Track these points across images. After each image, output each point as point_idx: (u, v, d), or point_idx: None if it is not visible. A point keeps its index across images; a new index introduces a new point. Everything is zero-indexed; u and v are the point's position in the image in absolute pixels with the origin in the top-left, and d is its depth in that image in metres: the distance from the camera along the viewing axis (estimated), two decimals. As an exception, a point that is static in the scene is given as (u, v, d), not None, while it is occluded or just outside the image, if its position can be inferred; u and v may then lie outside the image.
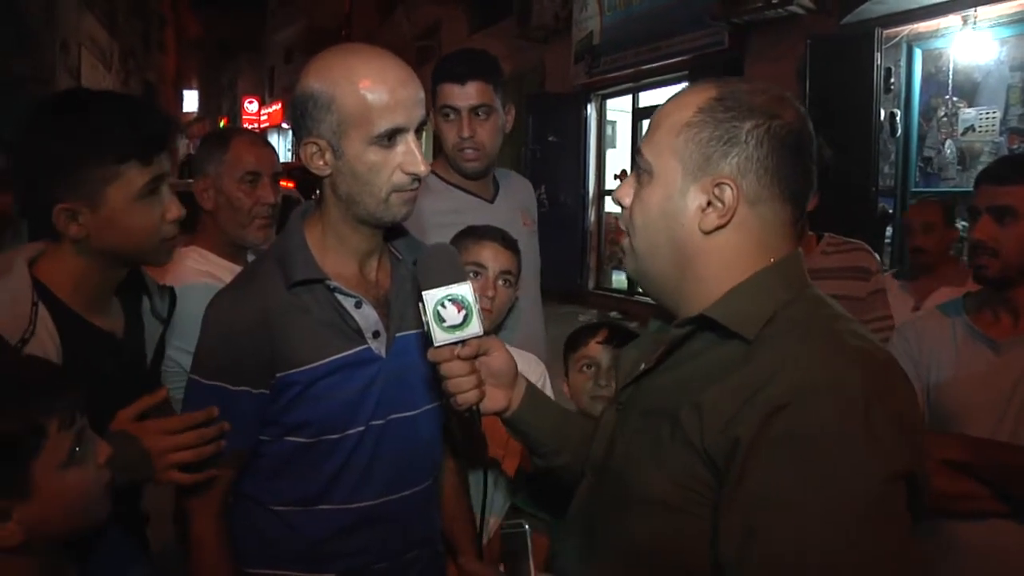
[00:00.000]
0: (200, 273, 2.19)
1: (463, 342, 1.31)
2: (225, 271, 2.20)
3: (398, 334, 1.59)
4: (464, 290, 1.31)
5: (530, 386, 1.46)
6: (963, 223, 3.88)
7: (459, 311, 1.30)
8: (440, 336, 1.30)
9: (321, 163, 1.49)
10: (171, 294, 1.83)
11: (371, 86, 1.44)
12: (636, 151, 1.21)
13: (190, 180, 2.42)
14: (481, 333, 1.32)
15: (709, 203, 1.12)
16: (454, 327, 1.30)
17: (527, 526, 1.57)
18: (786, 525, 0.97)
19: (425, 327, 1.31)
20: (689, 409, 1.07)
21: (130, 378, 1.61)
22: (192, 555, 1.54)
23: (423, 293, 1.30)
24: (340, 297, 1.54)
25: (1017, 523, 1.77)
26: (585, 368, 2.08)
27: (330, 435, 1.54)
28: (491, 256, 2.05)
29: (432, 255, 1.36)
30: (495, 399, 1.39)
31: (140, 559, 1.43)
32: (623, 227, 1.23)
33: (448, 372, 1.32)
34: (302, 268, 1.52)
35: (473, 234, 2.09)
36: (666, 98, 1.22)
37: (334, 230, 1.55)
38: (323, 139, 1.47)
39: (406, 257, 1.66)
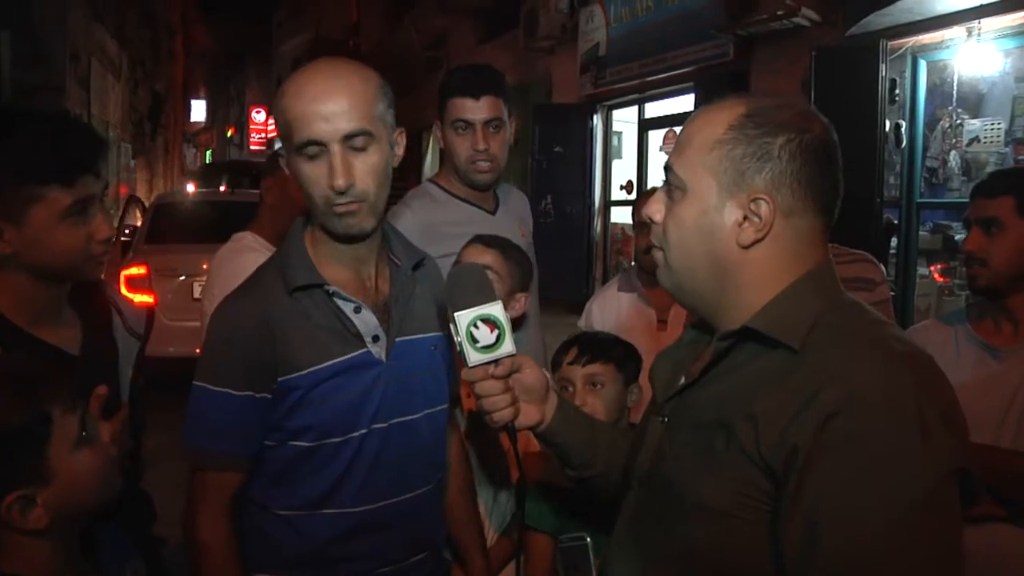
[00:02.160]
0: (251, 250, 2.51)
1: (497, 361, 1.33)
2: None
3: (398, 338, 1.62)
4: (496, 310, 1.32)
5: (561, 400, 1.48)
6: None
7: (492, 331, 1.31)
8: (474, 357, 1.32)
9: (287, 171, 1.59)
10: (148, 311, 1.88)
11: (290, 99, 1.49)
12: (666, 168, 1.23)
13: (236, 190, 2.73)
14: (514, 352, 1.34)
15: (745, 218, 1.15)
16: (488, 347, 1.32)
17: (588, 539, 1.59)
18: (848, 526, 1.00)
19: (458, 348, 1.33)
20: (743, 420, 1.09)
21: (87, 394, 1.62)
22: (196, 560, 1.55)
23: (455, 314, 1.32)
24: (339, 302, 1.57)
25: (1015, 527, 1.79)
26: (564, 389, 2.06)
27: (333, 439, 1.57)
28: (472, 254, 2.10)
29: (459, 275, 1.38)
30: (529, 415, 1.41)
31: (136, 555, 1.49)
32: (656, 242, 1.25)
33: (483, 391, 1.34)
34: (302, 273, 1.56)
35: (469, 240, 2.16)
36: (671, 110, 1.25)
37: (322, 238, 1.60)
38: (284, 149, 1.56)
39: (405, 264, 1.69)
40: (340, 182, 1.48)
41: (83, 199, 1.54)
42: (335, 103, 1.47)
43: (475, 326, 1.31)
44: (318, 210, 1.54)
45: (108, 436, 1.32)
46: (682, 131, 1.23)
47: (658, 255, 1.25)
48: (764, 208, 1.13)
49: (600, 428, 1.54)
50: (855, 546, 0.99)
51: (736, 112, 1.16)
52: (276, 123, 1.54)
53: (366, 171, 1.50)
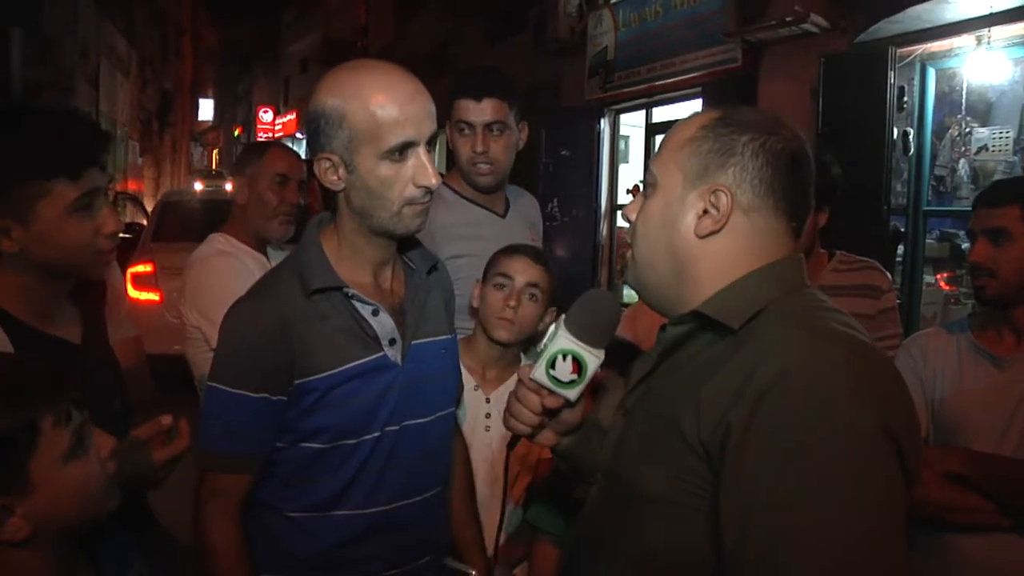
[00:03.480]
0: (222, 253, 2.61)
1: (552, 392, 1.29)
2: (245, 255, 2.61)
3: (413, 342, 1.62)
4: (593, 362, 1.26)
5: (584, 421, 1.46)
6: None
7: (572, 372, 1.26)
8: (538, 374, 1.27)
9: (335, 178, 1.53)
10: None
11: (380, 102, 1.47)
12: (645, 168, 1.26)
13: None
14: (573, 402, 1.30)
15: (705, 210, 1.17)
16: (557, 380, 1.26)
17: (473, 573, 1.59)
18: (780, 506, 0.99)
19: (538, 349, 1.29)
20: (687, 406, 1.11)
21: (94, 382, 1.60)
22: (204, 563, 1.55)
23: (563, 328, 1.26)
24: (357, 305, 1.57)
25: (1018, 537, 1.79)
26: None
27: (346, 441, 1.57)
28: (519, 268, 2.09)
29: (599, 303, 1.31)
30: (547, 437, 1.39)
31: (140, 556, 1.47)
32: (628, 240, 1.28)
33: (521, 398, 1.32)
34: (320, 276, 1.55)
35: (509, 249, 2.15)
36: (678, 114, 1.26)
37: (349, 241, 1.59)
38: (336, 155, 1.51)
39: (419, 267, 1.69)
40: (434, 180, 1.52)
41: (89, 192, 1.55)
42: (425, 103, 1.52)
43: (563, 357, 1.25)
44: (388, 211, 1.52)
45: (106, 451, 1.28)
46: (664, 137, 1.27)
47: (628, 252, 1.28)
48: (723, 200, 1.16)
49: None
50: (787, 529, 0.98)
51: (711, 116, 1.21)
52: (342, 125, 1.48)
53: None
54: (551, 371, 1.26)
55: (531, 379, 1.29)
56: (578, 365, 1.25)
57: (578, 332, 1.26)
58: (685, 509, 1.10)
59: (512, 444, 1.40)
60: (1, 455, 1.15)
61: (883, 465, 1.00)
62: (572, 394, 1.28)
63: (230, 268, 2.54)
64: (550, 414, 1.33)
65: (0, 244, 1.53)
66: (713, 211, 1.16)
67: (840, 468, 0.98)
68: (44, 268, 1.57)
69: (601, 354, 1.27)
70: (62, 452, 1.20)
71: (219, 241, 2.68)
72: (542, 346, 1.28)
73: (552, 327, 1.28)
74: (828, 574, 0.96)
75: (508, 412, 1.35)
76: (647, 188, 1.24)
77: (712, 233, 1.17)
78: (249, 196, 2.67)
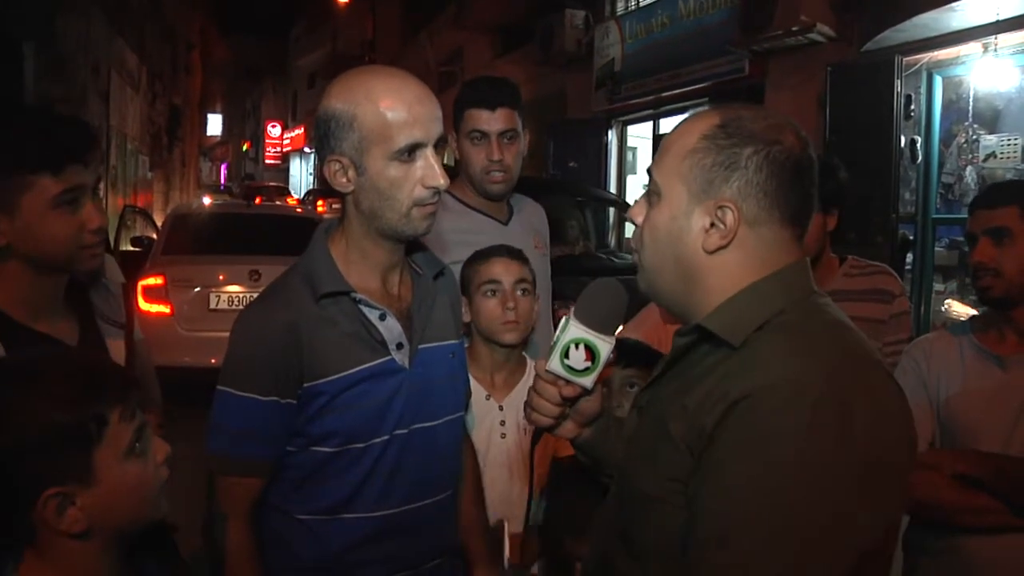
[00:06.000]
0: None
1: (568, 382, 1.30)
2: None
3: (421, 346, 1.64)
4: (605, 349, 1.29)
5: (606, 414, 1.47)
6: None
7: (586, 359, 1.29)
8: (554, 365, 1.29)
9: (344, 180, 1.55)
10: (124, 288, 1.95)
11: (390, 104, 1.50)
12: (648, 173, 1.26)
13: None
14: (590, 389, 1.32)
15: (712, 224, 1.17)
16: (572, 368, 1.29)
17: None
18: (720, 500, 1.04)
19: (552, 343, 1.31)
20: (678, 410, 1.14)
21: None
22: (227, 564, 1.57)
23: (572, 320, 1.29)
24: (365, 309, 1.59)
25: None
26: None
27: (356, 444, 1.58)
28: (503, 270, 2.11)
29: (604, 290, 1.33)
30: (568, 428, 1.40)
31: (165, 559, 1.48)
32: (634, 245, 1.29)
33: (540, 391, 1.34)
34: (329, 281, 1.57)
35: (481, 256, 2.17)
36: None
37: (357, 245, 1.61)
38: (346, 157, 1.53)
39: (426, 272, 1.71)
40: (443, 180, 1.54)
41: (72, 188, 1.58)
42: (433, 106, 1.55)
43: (575, 346, 1.28)
44: (398, 213, 1.54)
45: (162, 457, 1.30)
46: (664, 139, 1.27)
47: (636, 256, 1.29)
48: (729, 216, 1.16)
49: None
50: (718, 521, 1.02)
51: (711, 122, 1.19)
52: (352, 127, 1.50)
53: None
54: (565, 360, 1.29)
55: (547, 371, 1.31)
56: (590, 352, 1.28)
57: (587, 320, 1.29)
58: (676, 509, 1.12)
59: (535, 439, 1.41)
60: (72, 443, 1.17)
61: (832, 490, 1.01)
62: (588, 381, 1.30)
63: None
64: (569, 404, 1.36)
65: None
66: (720, 226, 1.16)
67: (775, 479, 1.01)
68: (32, 261, 1.60)
69: (612, 340, 1.30)
70: (124, 448, 1.22)
71: None
72: (554, 341, 1.30)
73: (563, 320, 1.31)
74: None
75: (528, 406, 1.37)
76: (651, 196, 1.25)
77: (720, 248, 1.17)
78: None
